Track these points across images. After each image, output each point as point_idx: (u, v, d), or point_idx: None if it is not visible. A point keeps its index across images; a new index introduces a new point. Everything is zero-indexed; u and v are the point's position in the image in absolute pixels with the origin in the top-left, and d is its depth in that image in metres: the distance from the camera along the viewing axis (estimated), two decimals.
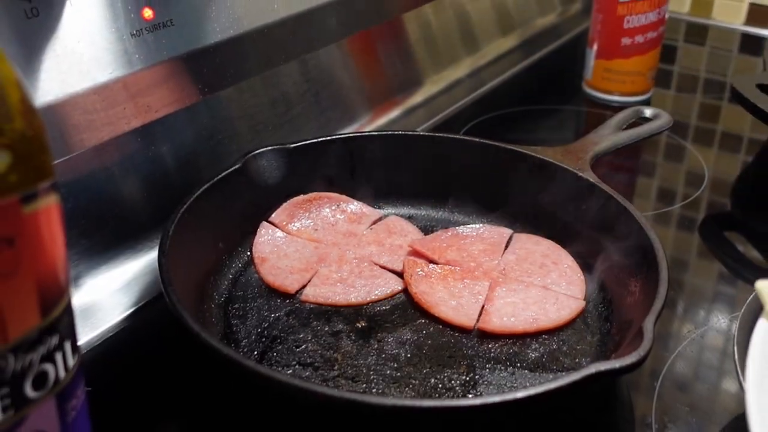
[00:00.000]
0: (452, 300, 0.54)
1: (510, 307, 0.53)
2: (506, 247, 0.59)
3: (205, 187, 0.55)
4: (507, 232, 0.61)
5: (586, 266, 0.57)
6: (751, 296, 0.47)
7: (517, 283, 0.55)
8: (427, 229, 0.62)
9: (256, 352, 0.50)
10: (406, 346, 0.51)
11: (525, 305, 0.53)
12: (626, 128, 0.67)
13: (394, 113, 0.81)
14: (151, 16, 0.56)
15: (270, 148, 0.60)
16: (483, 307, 0.53)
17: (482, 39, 0.95)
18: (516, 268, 0.57)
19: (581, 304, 0.54)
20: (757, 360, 0.40)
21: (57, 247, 0.28)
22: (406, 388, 0.47)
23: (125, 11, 0.54)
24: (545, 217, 0.61)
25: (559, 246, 0.59)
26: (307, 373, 0.48)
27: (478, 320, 0.52)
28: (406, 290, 0.56)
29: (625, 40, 0.87)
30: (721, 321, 0.57)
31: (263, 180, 0.60)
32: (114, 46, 0.54)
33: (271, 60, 0.67)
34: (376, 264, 0.58)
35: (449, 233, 0.60)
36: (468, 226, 0.61)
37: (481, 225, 0.62)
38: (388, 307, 0.54)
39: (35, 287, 0.27)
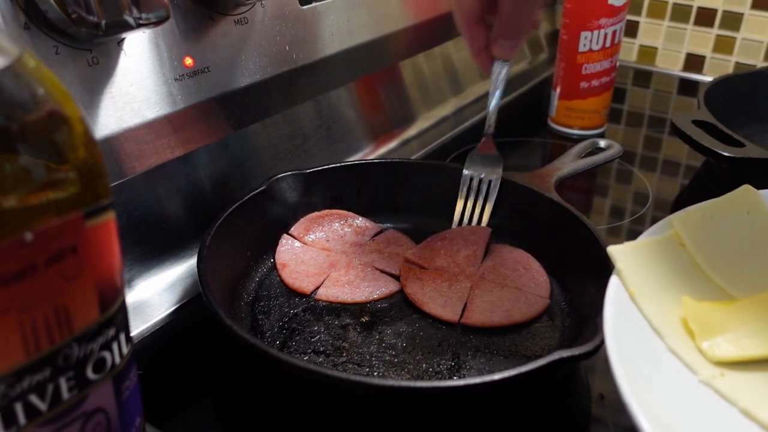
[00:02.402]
0: (440, 299, 0.54)
1: (488, 304, 0.53)
2: (485, 255, 0.59)
3: (236, 205, 0.55)
4: (487, 230, 0.60)
5: (551, 271, 0.57)
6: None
7: (493, 284, 0.55)
8: (419, 240, 0.62)
9: (278, 342, 0.50)
10: (402, 337, 0.51)
11: (500, 303, 0.53)
12: (584, 157, 0.67)
13: (392, 144, 0.82)
14: (192, 64, 0.56)
15: (290, 172, 0.60)
16: (466, 304, 0.53)
17: (465, 83, 0.95)
18: (493, 273, 0.57)
19: (547, 302, 0.54)
20: (612, 311, 0.39)
21: (113, 255, 0.28)
22: (403, 372, 0.47)
23: (170, 60, 0.54)
24: (518, 230, 0.61)
25: (528, 254, 0.59)
26: (320, 360, 0.48)
27: (461, 316, 0.52)
28: (402, 291, 0.56)
29: (583, 84, 0.87)
30: None
31: (284, 199, 0.60)
32: (160, 89, 0.54)
33: (291, 100, 0.68)
34: (377, 269, 0.58)
35: (437, 236, 0.60)
36: (452, 229, 0.61)
37: (464, 226, 0.61)
38: (387, 305, 0.54)
39: (95, 288, 0.27)
